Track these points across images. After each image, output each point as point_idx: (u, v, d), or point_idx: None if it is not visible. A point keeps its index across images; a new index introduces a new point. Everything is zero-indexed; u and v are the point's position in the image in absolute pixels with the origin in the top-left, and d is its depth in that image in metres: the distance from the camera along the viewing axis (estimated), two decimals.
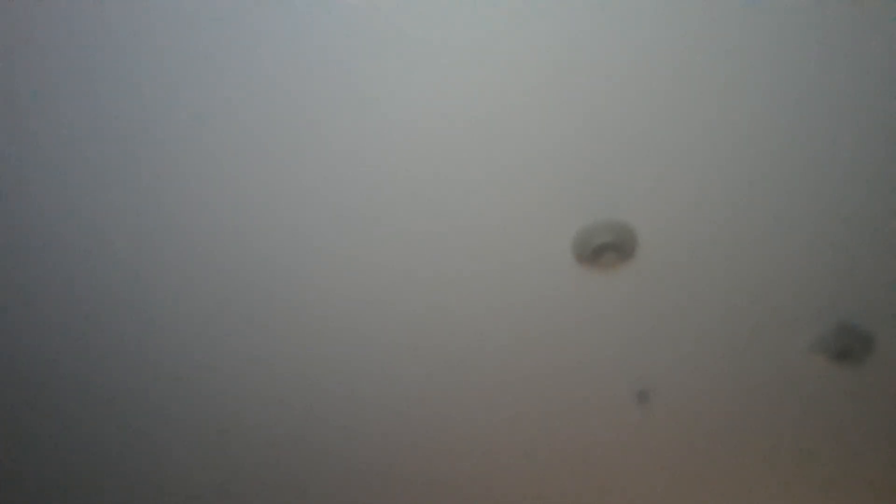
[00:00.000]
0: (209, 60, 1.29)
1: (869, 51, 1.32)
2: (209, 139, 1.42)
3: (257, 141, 1.44)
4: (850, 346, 1.89)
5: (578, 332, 1.88)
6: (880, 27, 1.28)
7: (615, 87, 1.37)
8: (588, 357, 1.96)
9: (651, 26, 1.27)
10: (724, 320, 1.87)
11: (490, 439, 2.24)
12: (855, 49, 1.32)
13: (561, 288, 1.76)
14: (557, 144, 1.46)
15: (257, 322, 1.81)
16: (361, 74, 1.33)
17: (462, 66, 1.33)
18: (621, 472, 2.40)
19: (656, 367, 2.00)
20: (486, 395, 2.08)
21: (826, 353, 1.93)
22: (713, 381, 2.05)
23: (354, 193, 1.54)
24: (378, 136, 1.44)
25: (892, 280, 1.76)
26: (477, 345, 1.92)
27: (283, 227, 1.60)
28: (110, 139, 1.41)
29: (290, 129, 1.42)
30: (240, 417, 2.10)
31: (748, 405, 2.14)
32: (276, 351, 1.90)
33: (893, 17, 1.26)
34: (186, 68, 1.31)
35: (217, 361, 1.92)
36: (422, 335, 1.88)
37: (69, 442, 2.14)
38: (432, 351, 1.93)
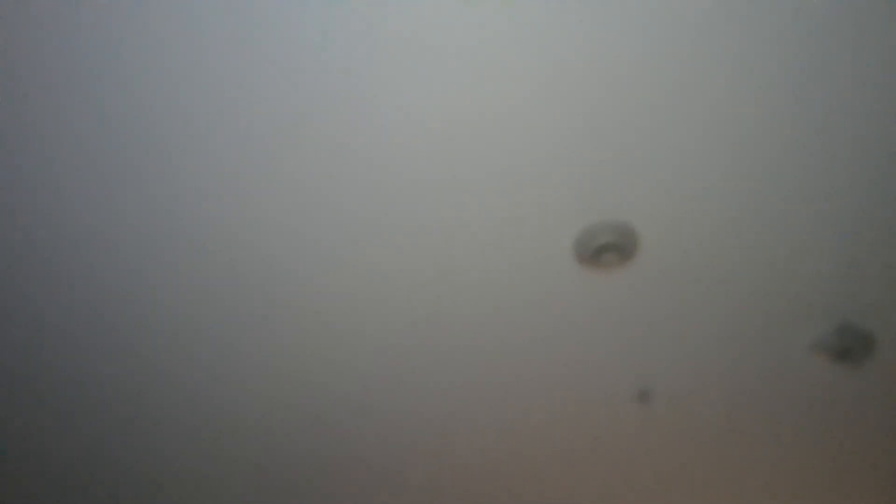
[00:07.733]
0: (211, 59, 1.30)
1: (870, 51, 1.32)
2: (210, 139, 1.43)
3: (259, 141, 1.44)
4: (850, 346, 1.89)
5: (579, 332, 1.89)
6: (881, 28, 1.29)
7: (616, 87, 1.37)
8: (589, 357, 1.97)
9: (653, 26, 1.28)
10: (725, 320, 1.87)
11: (490, 439, 2.25)
12: (856, 50, 1.32)
13: (562, 288, 1.76)
14: (559, 144, 1.46)
15: (256, 322, 1.81)
16: (362, 74, 1.33)
17: (463, 66, 1.33)
18: (622, 471, 2.41)
19: (657, 367, 2.00)
20: (485, 395, 2.08)
21: (826, 353, 1.93)
22: (714, 381, 2.06)
23: (354, 193, 1.54)
24: (378, 136, 1.44)
25: (892, 280, 1.76)
26: (477, 345, 1.92)
27: (283, 227, 1.60)
28: (108, 138, 1.41)
29: (291, 129, 1.42)
30: (239, 417, 2.10)
31: (748, 405, 2.14)
32: (275, 351, 1.90)
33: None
34: (188, 67, 1.31)
35: (216, 361, 1.92)
36: (421, 335, 1.88)
37: (68, 442, 2.14)
38: (432, 351, 1.93)
